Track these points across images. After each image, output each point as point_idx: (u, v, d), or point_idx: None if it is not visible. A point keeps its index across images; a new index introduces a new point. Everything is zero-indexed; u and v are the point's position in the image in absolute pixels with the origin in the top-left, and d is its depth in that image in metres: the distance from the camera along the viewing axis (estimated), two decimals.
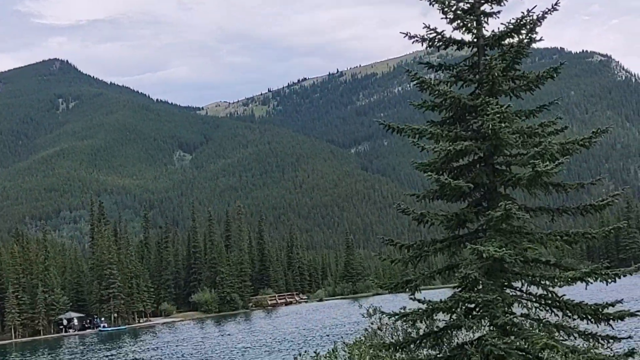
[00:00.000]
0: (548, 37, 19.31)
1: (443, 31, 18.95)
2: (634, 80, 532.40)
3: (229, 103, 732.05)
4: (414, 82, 18.84)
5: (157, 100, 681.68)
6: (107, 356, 78.95)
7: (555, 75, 18.44)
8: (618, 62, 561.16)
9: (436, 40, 18.94)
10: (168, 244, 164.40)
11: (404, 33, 18.93)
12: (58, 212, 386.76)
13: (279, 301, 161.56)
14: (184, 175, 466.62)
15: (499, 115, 17.72)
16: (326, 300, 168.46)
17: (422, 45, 19.14)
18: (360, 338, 19.36)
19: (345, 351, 18.54)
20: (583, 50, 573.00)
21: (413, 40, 19.01)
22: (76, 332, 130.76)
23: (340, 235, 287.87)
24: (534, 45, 18.85)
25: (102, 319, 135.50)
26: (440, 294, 18.50)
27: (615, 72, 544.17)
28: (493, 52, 18.86)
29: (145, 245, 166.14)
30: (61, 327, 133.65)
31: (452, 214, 18.78)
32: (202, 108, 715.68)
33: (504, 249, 17.20)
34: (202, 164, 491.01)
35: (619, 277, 17.79)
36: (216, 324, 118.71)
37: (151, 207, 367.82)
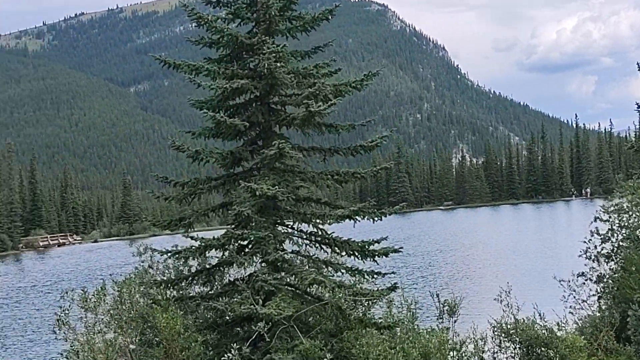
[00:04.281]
0: None
1: None
2: (408, 30, 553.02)
3: (0, 35, 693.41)
4: (191, 18, 18.58)
5: None
6: None
7: (330, 17, 18.73)
8: (394, 11, 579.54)
9: None
10: None
11: None
12: None
13: (52, 242, 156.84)
14: None
15: (274, 54, 17.82)
16: (101, 241, 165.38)
17: None
18: (130, 276, 19.07)
19: (114, 289, 18.25)
20: None
21: None
22: None
23: (117, 176, 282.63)
24: None
25: None
26: (217, 234, 18.52)
27: (392, 21, 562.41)
28: None
29: None
30: None
31: (227, 152, 18.81)
32: None
33: (277, 187, 17.45)
34: None
35: (385, 216, 18.53)
36: None
37: None
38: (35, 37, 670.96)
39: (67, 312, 17.20)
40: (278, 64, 17.86)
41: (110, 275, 19.53)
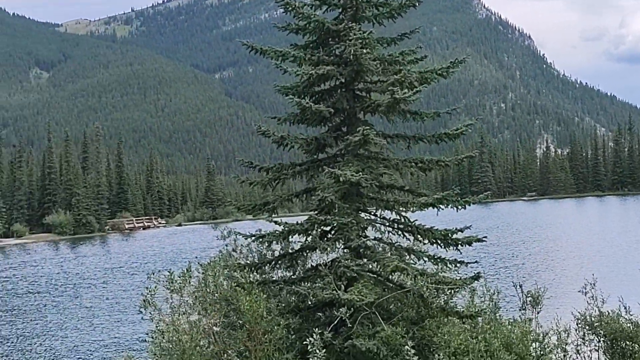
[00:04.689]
0: None
1: None
2: (493, 18, 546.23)
3: (90, 21, 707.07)
4: (279, 4, 18.66)
5: (13, 14, 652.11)
6: None
7: (417, 4, 18.62)
8: (480, 0, 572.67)
9: None
10: (22, 163, 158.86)
11: None
12: None
13: (137, 225, 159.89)
14: (41, 94, 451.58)
15: (361, 41, 17.82)
16: (185, 225, 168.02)
17: None
18: (214, 259, 19.35)
19: (199, 271, 18.54)
20: None
21: None
22: None
23: (201, 161, 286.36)
24: None
25: None
26: (299, 219, 18.65)
27: (477, 9, 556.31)
28: None
29: None
30: None
31: (311, 138, 18.89)
32: (61, 25, 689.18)
33: (360, 173, 17.46)
34: (60, 82, 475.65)
35: (469, 204, 18.36)
36: (71, 246, 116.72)
37: (4, 125, 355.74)
38: (124, 23, 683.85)
39: (153, 293, 17.54)
40: (364, 51, 17.86)
41: (196, 258, 19.81)
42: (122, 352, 16.70)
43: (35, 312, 49.28)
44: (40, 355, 35.85)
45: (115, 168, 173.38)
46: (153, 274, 18.02)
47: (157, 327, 17.05)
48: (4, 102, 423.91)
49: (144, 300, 17.44)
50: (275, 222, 18.31)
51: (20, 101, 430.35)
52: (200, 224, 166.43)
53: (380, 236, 19.01)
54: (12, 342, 39.32)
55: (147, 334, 17.45)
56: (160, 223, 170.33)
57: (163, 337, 16.66)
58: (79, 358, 34.35)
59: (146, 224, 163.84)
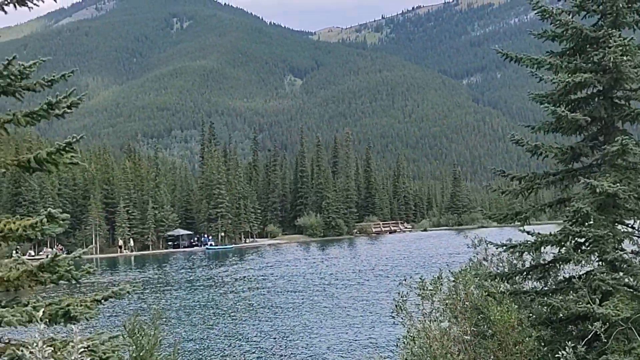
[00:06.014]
0: None
1: None
2: None
3: (342, 29, 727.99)
4: (536, 11, 18.46)
5: (270, 23, 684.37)
6: (216, 273, 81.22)
7: None
8: None
9: None
10: (276, 167, 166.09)
11: None
12: (169, 131, 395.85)
13: (383, 229, 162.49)
14: (294, 100, 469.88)
15: (621, 48, 17.27)
16: (430, 230, 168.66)
17: None
18: (465, 267, 19.43)
19: (450, 279, 18.66)
20: None
21: None
22: (184, 249, 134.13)
23: (447, 167, 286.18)
24: None
25: (210, 237, 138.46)
26: (545, 229, 18.34)
27: None
28: None
29: (254, 167, 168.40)
30: (169, 243, 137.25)
31: (567, 147, 18.54)
32: (314, 33, 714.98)
33: (618, 184, 16.93)
34: (312, 89, 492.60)
35: None
36: (321, 248, 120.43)
37: (261, 130, 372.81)
38: (374, 31, 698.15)
39: (404, 299, 17.85)
40: (624, 58, 17.29)
41: (446, 264, 19.99)
42: (377, 353, 17.19)
43: (293, 310, 51.26)
44: (301, 351, 37.28)
45: (364, 173, 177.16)
46: (405, 279, 18.33)
47: (408, 332, 17.36)
48: (260, 108, 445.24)
49: (396, 306, 17.79)
50: (528, 232, 18.11)
51: (275, 107, 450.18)
52: (445, 229, 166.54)
53: (638, 249, 18.32)
54: (274, 337, 41.18)
55: (399, 338, 17.81)
56: (406, 227, 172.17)
57: (414, 343, 16.94)
58: (340, 356, 35.43)
59: (392, 228, 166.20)
